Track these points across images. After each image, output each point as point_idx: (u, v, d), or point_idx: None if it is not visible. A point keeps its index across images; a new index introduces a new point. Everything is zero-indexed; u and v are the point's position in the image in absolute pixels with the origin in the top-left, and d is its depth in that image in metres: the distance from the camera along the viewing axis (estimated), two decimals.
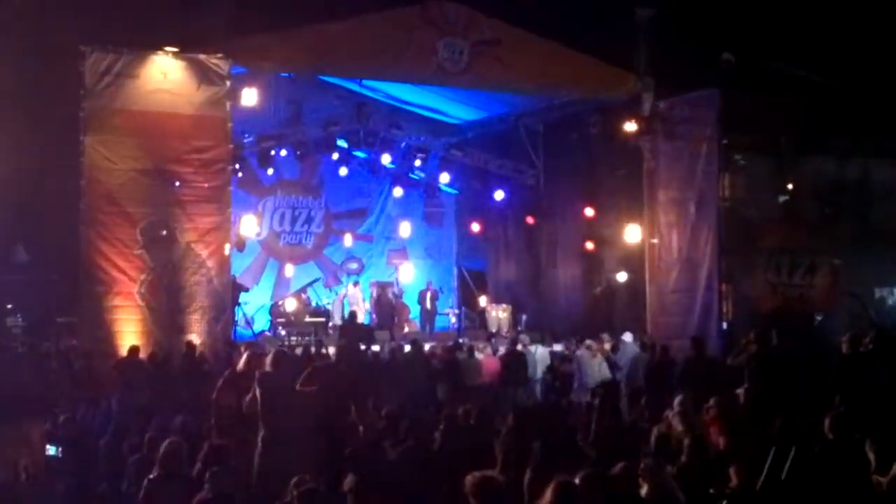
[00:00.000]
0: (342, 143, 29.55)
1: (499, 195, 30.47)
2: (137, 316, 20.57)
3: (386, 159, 30.27)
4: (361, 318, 28.26)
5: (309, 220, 32.68)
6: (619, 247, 26.47)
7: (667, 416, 12.25)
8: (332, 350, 20.74)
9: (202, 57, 21.25)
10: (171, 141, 21.07)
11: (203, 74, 21.22)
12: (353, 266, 32.62)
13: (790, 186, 23.78)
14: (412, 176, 32.25)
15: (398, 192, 32.72)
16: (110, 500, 12.46)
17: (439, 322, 30.49)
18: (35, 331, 23.98)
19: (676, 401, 12.30)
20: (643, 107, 24.33)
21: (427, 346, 22.96)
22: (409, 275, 32.45)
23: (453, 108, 30.18)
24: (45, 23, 21.63)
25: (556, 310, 29.36)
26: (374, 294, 30.02)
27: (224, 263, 21.69)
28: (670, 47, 23.87)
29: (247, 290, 26.50)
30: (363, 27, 22.89)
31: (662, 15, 24.05)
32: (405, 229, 33.08)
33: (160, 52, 21.05)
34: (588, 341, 22.26)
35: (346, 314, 26.12)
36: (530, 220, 30.58)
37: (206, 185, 21.32)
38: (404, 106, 30.18)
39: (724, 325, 22.86)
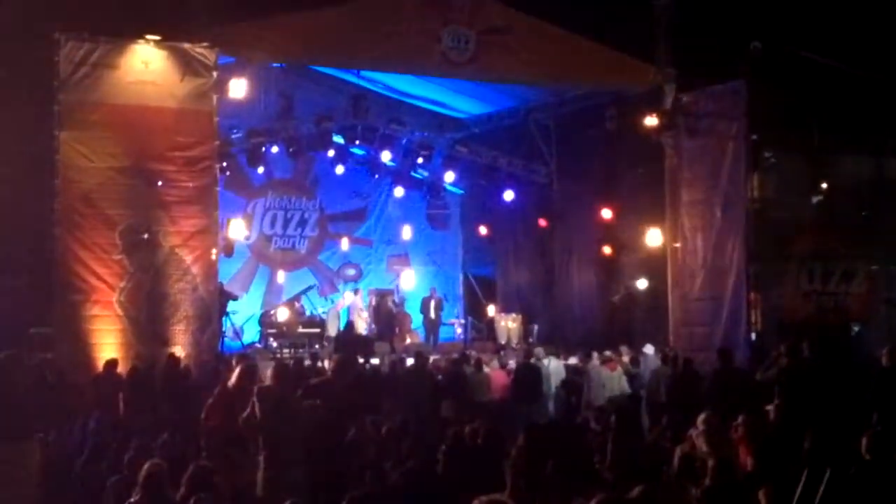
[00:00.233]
0: (338, 140, 29.58)
1: (508, 195, 30.47)
2: (116, 326, 20.57)
3: (386, 157, 30.27)
4: (362, 329, 28.28)
5: (302, 223, 32.72)
6: (639, 252, 26.48)
7: (690, 434, 12.22)
8: (327, 364, 20.74)
9: (186, 46, 21.27)
10: (153, 137, 21.07)
11: (187, 65, 21.23)
12: (351, 272, 32.67)
13: (824, 186, 23.81)
14: (414, 175, 32.29)
15: (399, 192, 32.76)
16: None
17: (444, 333, 30.50)
18: (5, 343, 23.89)
19: (701, 418, 12.25)
20: (664, 100, 24.34)
21: (431, 359, 22.95)
22: (410, 282, 32.48)
23: (458, 102, 30.22)
24: (15, 8, 21.56)
25: (571, 320, 29.38)
26: (373, 303, 30.02)
27: (210, 270, 21.69)
28: (694, 35, 23.86)
29: (235, 298, 26.50)
30: (360, 13, 22.89)
31: (685, 0, 24.05)
32: (407, 232, 33.13)
33: (141, 41, 21.06)
34: (607, 353, 22.27)
35: (343, 325, 26.13)
36: (542, 222, 30.60)
37: (190, 184, 21.32)
38: (405, 99, 30.24)
39: (753, 337, 22.84)
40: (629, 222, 26.92)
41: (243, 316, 28.54)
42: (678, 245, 24.55)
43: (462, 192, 33.73)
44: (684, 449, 11.73)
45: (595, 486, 9.07)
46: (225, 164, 25.69)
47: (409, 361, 22.26)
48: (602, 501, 7.50)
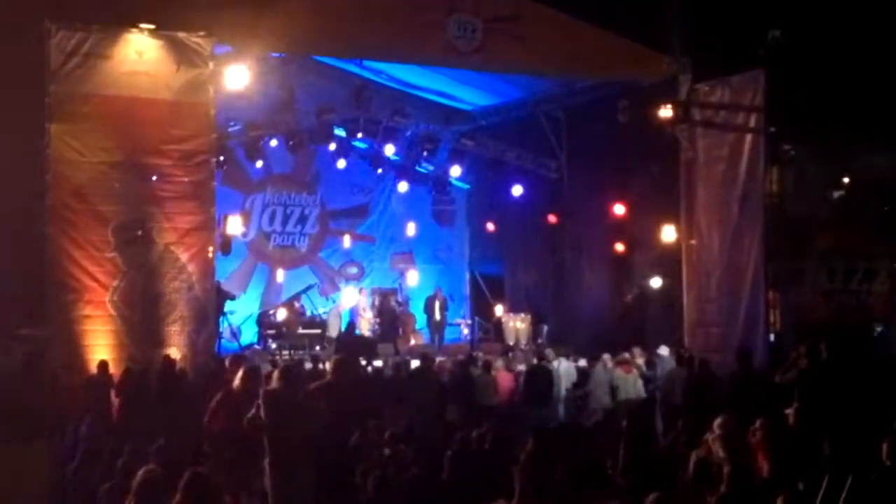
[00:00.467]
0: (340, 133, 29.58)
1: (517, 190, 30.51)
2: (109, 327, 20.54)
3: (389, 150, 30.35)
4: (367, 330, 28.31)
5: (303, 220, 32.80)
6: (653, 249, 26.47)
7: (706, 439, 12.24)
8: (328, 366, 20.75)
9: (182, 35, 21.26)
10: (148, 130, 21.05)
11: (183, 55, 21.22)
12: (353, 271, 32.72)
13: (845, 181, 23.80)
14: (419, 169, 32.32)
15: (403, 187, 32.78)
16: None
17: (449, 333, 30.54)
18: None
19: (717, 422, 12.28)
20: (679, 90, 24.34)
21: (436, 361, 22.96)
22: (415, 280, 32.51)
23: (465, 93, 30.23)
24: None
25: (582, 320, 29.32)
26: (376, 302, 30.06)
27: (207, 268, 21.67)
28: (710, 23, 23.85)
29: (233, 297, 26.56)
30: (363, 0, 22.92)
31: None
32: (411, 229, 33.21)
33: (135, 30, 21.02)
34: (625, 355, 22.30)
35: (345, 325, 26.15)
36: (552, 218, 30.59)
37: (186, 179, 21.30)
38: (410, 90, 30.25)
39: (771, 338, 22.82)
40: (642, 218, 26.89)
41: (241, 316, 28.58)
42: (693, 242, 24.52)
43: (468, 186, 33.77)
44: (700, 454, 11.75)
45: (607, 493, 9.10)
46: (222, 158, 25.61)
47: (414, 363, 22.28)
48: None
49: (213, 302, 22.19)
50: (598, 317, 28.99)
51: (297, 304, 29.33)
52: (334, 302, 30.61)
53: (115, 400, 18.60)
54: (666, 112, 24.01)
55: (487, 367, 21.93)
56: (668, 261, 25.85)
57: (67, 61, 20.46)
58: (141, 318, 20.77)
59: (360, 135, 29.53)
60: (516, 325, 29.49)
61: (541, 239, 31.34)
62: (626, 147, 26.78)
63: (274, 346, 27.13)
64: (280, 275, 31.79)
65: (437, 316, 29.71)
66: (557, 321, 29.84)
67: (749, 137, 23.14)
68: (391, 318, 29.50)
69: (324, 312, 29.51)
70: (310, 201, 32.86)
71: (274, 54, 24.20)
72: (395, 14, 22.97)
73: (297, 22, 22.41)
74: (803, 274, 23.48)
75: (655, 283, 26.93)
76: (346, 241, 32.74)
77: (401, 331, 29.54)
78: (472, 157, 30.64)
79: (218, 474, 11.36)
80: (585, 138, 28.87)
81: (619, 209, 27.70)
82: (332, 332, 28.08)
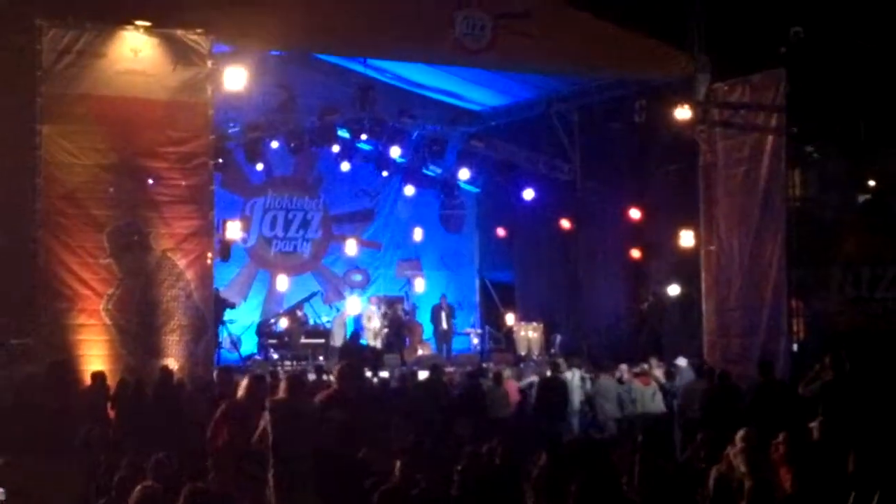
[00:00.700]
0: (343, 134, 29.63)
1: (528, 194, 30.54)
2: (104, 336, 20.56)
3: (395, 152, 30.34)
4: (375, 340, 28.29)
5: (305, 225, 32.82)
6: (670, 255, 26.49)
7: (727, 454, 12.24)
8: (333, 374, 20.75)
9: (179, 32, 21.28)
10: (143, 131, 21.08)
11: (180, 53, 21.24)
12: (358, 278, 32.76)
13: (871, 184, 23.77)
14: (426, 172, 32.36)
15: (409, 190, 32.82)
16: None
17: (458, 343, 30.54)
18: None
19: (739, 436, 12.27)
20: (697, 90, 24.38)
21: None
22: (422, 288, 32.52)
23: (474, 92, 30.24)
24: None
25: (596, 329, 29.31)
26: (381, 311, 30.07)
27: (205, 275, 21.70)
28: (729, 20, 23.84)
29: (233, 306, 26.62)
30: None
31: None
32: (418, 235, 33.22)
33: (130, 27, 21.06)
34: (644, 366, 22.31)
35: (349, 334, 26.16)
36: (565, 223, 30.56)
37: (183, 182, 21.33)
38: (416, 90, 30.25)
39: (795, 348, 22.85)
40: (659, 223, 26.92)
41: (241, 325, 28.60)
42: (713, 248, 24.53)
43: (478, 190, 33.79)
44: (720, 469, 11.74)
45: None
46: (221, 160, 25.56)
47: (421, 374, 22.27)
48: None
49: (212, 310, 22.22)
50: (613, 326, 29.02)
51: (299, 313, 29.32)
52: (338, 310, 30.62)
53: (110, 412, 18.60)
54: (684, 113, 23.97)
55: (498, 378, 21.87)
56: (685, 267, 25.85)
57: (60, 60, 20.47)
58: (137, 327, 20.78)
59: (364, 136, 29.62)
60: (528, 334, 29.48)
61: (553, 245, 31.32)
62: (643, 149, 26.88)
63: (275, 356, 27.13)
64: (282, 282, 31.77)
65: (444, 325, 29.73)
66: (571, 330, 29.80)
67: (770, 138, 23.15)
68: (398, 327, 29.50)
69: (327, 321, 29.52)
70: (312, 205, 32.88)
71: (274, 52, 24.22)
72: (400, 10, 22.93)
73: (298, 18, 22.36)
74: (827, 281, 23.46)
75: (673, 290, 26.94)
76: (351, 247, 32.63)
77: (408, 340, 29.53)
78: (482, 160, 30.66)
79: (224, 489, 11.37)
80: (600, 140, 28.84)
81: (634, 213, 27.70)
82: (337, 341, 28.09)
